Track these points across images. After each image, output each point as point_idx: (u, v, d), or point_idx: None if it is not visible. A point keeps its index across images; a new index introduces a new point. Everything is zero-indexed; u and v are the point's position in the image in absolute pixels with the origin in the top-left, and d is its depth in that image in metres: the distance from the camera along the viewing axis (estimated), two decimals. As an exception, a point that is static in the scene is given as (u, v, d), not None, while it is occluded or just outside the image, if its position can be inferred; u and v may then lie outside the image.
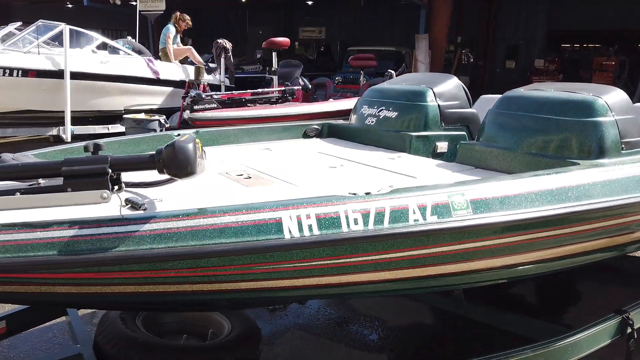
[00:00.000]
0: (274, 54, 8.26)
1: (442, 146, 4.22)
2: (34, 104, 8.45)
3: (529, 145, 3.32)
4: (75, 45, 9.09)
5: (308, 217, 2.02)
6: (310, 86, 7.84)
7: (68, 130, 8.49)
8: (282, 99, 7.45)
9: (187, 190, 2.78)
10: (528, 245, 2.56)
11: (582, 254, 2.85)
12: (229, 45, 10.38)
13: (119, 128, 9.19)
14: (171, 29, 10.20)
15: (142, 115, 8.74)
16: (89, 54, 9.09)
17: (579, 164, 2.97)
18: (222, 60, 10.49)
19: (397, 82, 4.70)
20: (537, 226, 2.52)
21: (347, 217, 2.08)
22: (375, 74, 11.30)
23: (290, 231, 1.98)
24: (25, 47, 8.36)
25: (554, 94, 3.43)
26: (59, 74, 8.29)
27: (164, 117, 8.54)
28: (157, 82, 9.80)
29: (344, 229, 2.06)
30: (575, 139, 3.16)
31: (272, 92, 7.50)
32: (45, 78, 8.27)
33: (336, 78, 13.13)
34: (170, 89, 9.99)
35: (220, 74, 10.52)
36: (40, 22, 8.79)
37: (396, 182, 3.09)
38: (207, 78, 10.34)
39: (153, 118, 8.26)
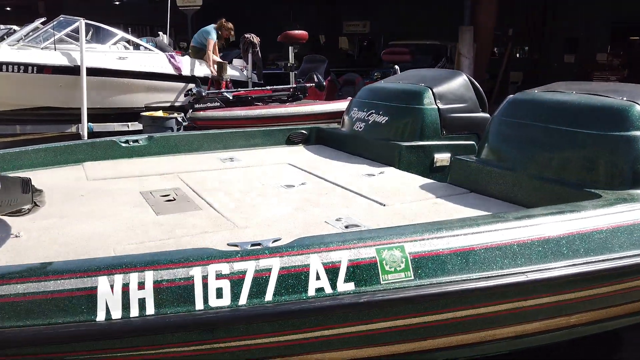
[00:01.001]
0: (290, 48, 7.57)
1: (443, 159, 3.41)
2: (51, 100, 8.26)
3: (538, 167, 2.48)
4: (96, 41, 8.85)
5: (141, 286, 1.34)
6: (324, 83, 7.11)
7: (85, 127, 8.22)
8: (293, 97, 6.77)
9: (65, 219, 2.17)
10: (508, 317, 1.76)
11: (594, 322, 2.01)
12: (256, 39, 9.80)
13: (138, 126, 8.86)
14: (213, 34, 9.62)
15: (160, 113, 8.36)
16: (107, 49, 8.79)
17: (604, 196, 2.11)
18: (250, 55, 9.96)
19: (395, 80, 3.89)
20: (520, 293, 1.71)
21: (204, 287, 1.39)
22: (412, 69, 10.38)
23: (107, 309, 1.31)
24: (43, 43, 8.17)
25: (576, 98, 2.55)
26: (75, 70, 8.05)
27: (182, 114, 8.11)
28: (180, 78, 9.38)
29: (197, 305, 1.37)
30: (603, 160, 2.29)
31: (282, 90, 6.83)
32: (61, 74, 8.05)
33: (375, 74, 12.29)
34: (193, 85, 9.57)
35: (247, 69, 10.00)
36: (61, 17, 8.58)
37: (356, 210, 2.37)
38: (231, 74, 9.85)
39: (171, 116, 7.84)
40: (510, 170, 2.55)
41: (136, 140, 3.45)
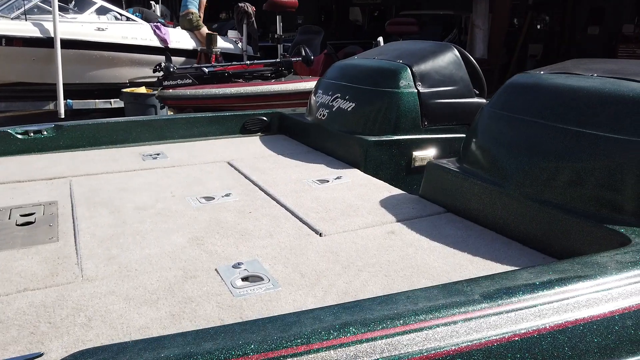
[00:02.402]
0: (278, 17, 6.73)
1: (424, 157, 2.64)
2: (25, 75, 7.60)
3: (538, 184, 1.71)
4: (75, 12, 8.13)
5: None
6: (312, 57, 6.26)
7: (61, 104, 7.57)
8: (276, 73, 5.97)
9: None
10: None
11: None
12: (251, 9, 8.94)
13: (121, 103, 8.19)
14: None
15: (143, 90, 7.66)
16: (84, 20, 8.05)
17: (634, 240, 1.35)
18: (244, 26, 9.13)
19: (370, 56, 3.08)
20: None
21: None
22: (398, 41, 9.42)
23: None
24: (14, 12, 7.46)
25: (596, 84, 1.75)
26: (49, 43, 7.35)
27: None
28: (166, 51, 8.63)
29: None
30: (633, 180, 1.52)
31: (263, 65, 6.04)
32: (34, 47, 7.36)
33: (375, 45, 11.33)
34: (182, 58, 8.79)
35: (242, 41, 9.19)
36: (36, -15, 7.86)
37: (280, 241, 1.66)
38: (223, 46, 9.05)
39: (152, 93, 7.14)
40: (499, 185, 1.78)
41: (39, 131, 2.76)
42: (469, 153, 2.02)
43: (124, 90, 7.72)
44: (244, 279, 1.45)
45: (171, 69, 5.31)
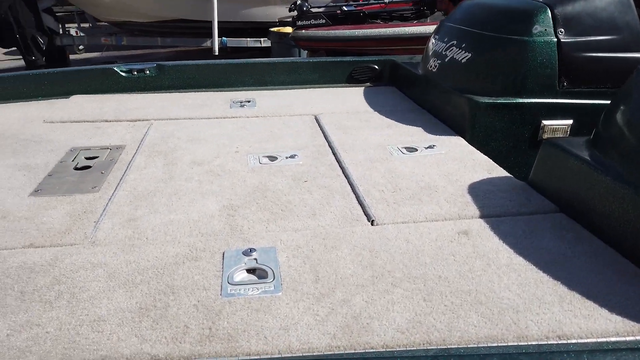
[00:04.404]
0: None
1: (557, 128, 2.04)
2: (187, 12, 8.07)
3: None
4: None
5: None
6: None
7: (215, 41, 7.92)
8: (418, 13, 5.33)
9: None
10: None
11: None
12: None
13: (269, 42, 8.29)
14: None
15: (289, 29, 7.62)
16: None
17: None
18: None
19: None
20: None
21: None
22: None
23: None
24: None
25: None
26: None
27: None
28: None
29: None
30: None
31: (405, 4, 5.42)
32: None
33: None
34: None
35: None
36: None
37: (321, 223, 1.38)
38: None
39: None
40: None
41: (142, 70, 2.75)
42: (608, 133, 1.41)
43: (271, 29, 7.77)
44: (249, 270, 1.19)
45: (304, 8, 5.05)
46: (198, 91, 2.77)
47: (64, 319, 1.02)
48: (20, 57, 7.96)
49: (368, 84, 2.96)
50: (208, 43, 8.38)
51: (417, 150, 1.91)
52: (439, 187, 1.60)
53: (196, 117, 2.35)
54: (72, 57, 8.92)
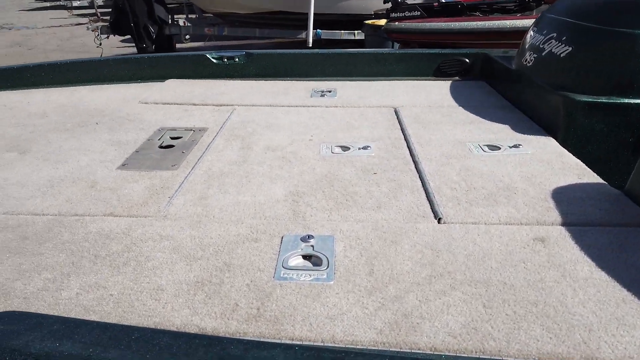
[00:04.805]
0: None
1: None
2: (286, 4, 8.26)
3: None
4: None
5: None
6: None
7: (310, 33, 8.03)
8: (522, 6, 4.99)
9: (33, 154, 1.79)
10: None
11: None
12: None
13: (363, 34, 8.24)
14: None
15: (383, 22, 7.53)
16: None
17: None
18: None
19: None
20: None
21: None
22: None
23: None
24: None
25: None
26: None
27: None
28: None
29: None
30: None
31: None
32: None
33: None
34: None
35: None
36: None
37: (384, 215, 1.37)
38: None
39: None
40: None
41: (232, 58, 2.84)
42: None
43: (366, 21, 7.71)
44: (304, 256, 1.18)
45: (400, 0, 4.94)
46: (282, 79, 2.82)
47: (127, 284, 1.08)
48: (133, 44, 8.66)
49: (456, 77, 2.82)
50: (303, 35, 8.52)
51: (499, 148, 1.79)
52: (518, 189, 1.48)
53: (276, 104, 2.40)
54: (178, 45, 9.53)
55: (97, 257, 1.18)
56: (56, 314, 0.99)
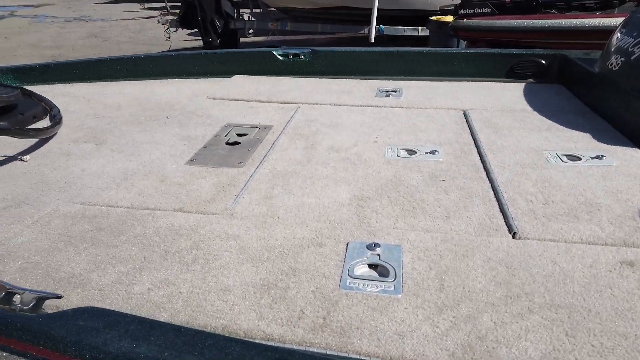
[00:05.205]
0: None
1: None
2: (348, 0, 8.20)
3: None
4: None
5: None
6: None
7: (372, 29, 7.93)
8: (603, 2, 4.68)
9: (96, 150, 1.86)
10: None
11: None
12: None
13: (427, 31, 8.05)
14: None
15: (449, 18, 7.31)
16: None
17: None
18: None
19: None
20: None
21: None
22: None
23: None
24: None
25: None
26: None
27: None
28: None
29: None
30: None
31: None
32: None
33: None
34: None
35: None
36: None
37: (454, 226, 1.32)
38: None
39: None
40: None
41: (297, 55, 2.84)
42: None
43: (431, 18, 7.53)
44: (370, 265, 1.15)
45: (470, -4, 4.77)
46: (347, 78, 2.78)
47: (196, 282, 1.10)
48: (200, 38, 8.92)
49: (531, 80, 2.68)
50: (365, 31, 8.43)
51: (580, 159, 1.67)
52: (602, 205, 1.38)
53: (341, 103, 2.37)
54: (241, 39, 9.72)
55: (167, 253, 1.21)
56: (129, 308, 1.01)
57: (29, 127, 2.08)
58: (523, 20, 4.74)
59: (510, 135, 1.91)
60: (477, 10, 4.87)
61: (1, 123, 1.78)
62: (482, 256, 1.16)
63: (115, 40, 11.10)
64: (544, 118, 2.08)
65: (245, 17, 9.31)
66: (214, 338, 0.73)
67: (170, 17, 9.48)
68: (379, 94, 2.49)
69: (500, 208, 1.39)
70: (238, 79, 2.81)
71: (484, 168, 1.65)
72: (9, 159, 1.82)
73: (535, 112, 2.16)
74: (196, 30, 8.84)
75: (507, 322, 0.95)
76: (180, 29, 8.97)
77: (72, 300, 1.04)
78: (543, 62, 2.66)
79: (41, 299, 0.89)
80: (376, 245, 1.21)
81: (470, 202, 1.43)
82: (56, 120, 2.00)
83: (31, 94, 2.19)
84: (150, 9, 16.40)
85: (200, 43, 9.00)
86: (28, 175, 1.68)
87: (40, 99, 2.19)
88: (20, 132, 1.84)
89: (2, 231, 1.33)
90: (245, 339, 0.94)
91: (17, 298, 0.90)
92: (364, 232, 1.28)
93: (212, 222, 1.35)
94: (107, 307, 1.02)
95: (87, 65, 2.86)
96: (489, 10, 4.85)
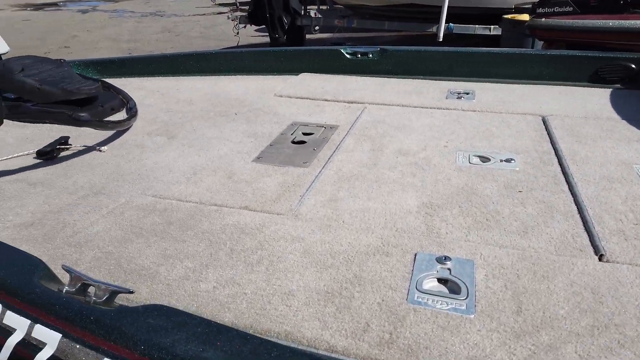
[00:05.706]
0: None
1: None
2: (418, -3, 8.01)
3: None
4: None
5: None
6: None
7: (441, 27, 7.70)
8: None
9: (167, 145, 1.91)
10: None
11: None
12: None
13: (499, 30, 7.72)
14: None
15: (525, 17, 6.97)
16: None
17: None
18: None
19: None
20: None
21: None
22: None
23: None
24: None
25: None
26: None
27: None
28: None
29: None
30: None
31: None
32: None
33: None
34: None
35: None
36: None
37: (532, 243, 1.24)
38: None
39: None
40: None
41: (365, 54, 2.78)
42: None
43: (505, 16, 7.22)
44: (440, 280, 1.09)
45: (550, -6, 4.51)
46: (416, 78, 2.70)
47: (260, 284, 1.08)
48: (267, 34, 9.05)
49: (618, 85, 2.48)
50: (433, 29, 8.21)
51: (621, 186, 1.52)
52: None
53: (409, 104, 2.30)
54: (307, 36, 9.77)
55: (232, 251, 1.21)
56: (195, 305, 1.02)
57: (107, 119, 2.17)
58: (609, 21, 4.41)
59: (596, 145, 1.77)
60: (557, 9, 4.59)
61: (83, 114, 1.87)
62: (565, 279, 1.07)
63: (186, 35, 11.52)
64: (635, 128, 1.91)
65: (312, 13, 9.34)
66: (280, 349, 0.71)
67: (239, 13, 9.70)
68: (450, 95, 2.39)
69: (584, 226, 1.28)
70: (305, 76, 2.80)
71: (566, 180, 1.53)
72: (89, 149, 1.91)
73: (624, 121, 1.99)
74: (264, 26, 8.98)
75: (593, 357, 0.87)
76: (248, 25, 9.15)
77: (142, 294, 1.06)
78: (633, 66, 2.45)
79: (114, 292, 0.91)
80: (447, 258, 1.15)
81: (551, 217, 1.33)
82: (132, 113, 2.07)
83: (110, 87, 2.29)
84: (220, 4, 16.88)
85: (267, 39, 9.14)
86: (105, 166, 1.75)
87: (118, 91, 2.29)
88: (100, 124, 1.92)
89: (80, 219, 1.39)
90: (309, 348, 0.91)
91: (91, 290, 0.92)
92: (433, 243, 1.23)
93: (277, 222, 1.34)
94: (174, 302, 1.03)
95: (162, 60, 2.96)
96: (571, 9, 4.55)
